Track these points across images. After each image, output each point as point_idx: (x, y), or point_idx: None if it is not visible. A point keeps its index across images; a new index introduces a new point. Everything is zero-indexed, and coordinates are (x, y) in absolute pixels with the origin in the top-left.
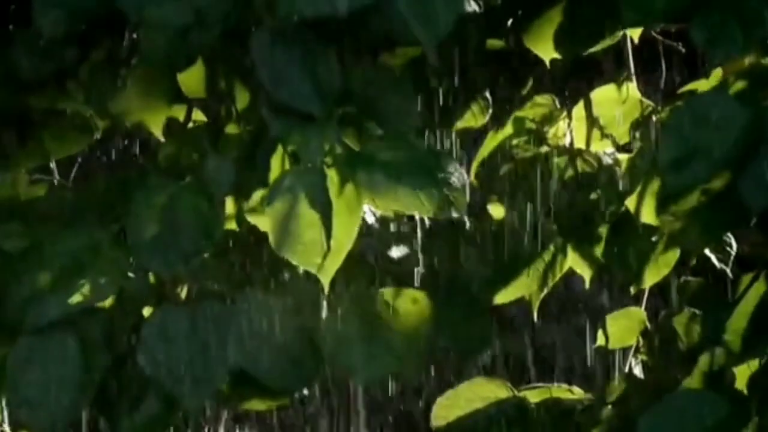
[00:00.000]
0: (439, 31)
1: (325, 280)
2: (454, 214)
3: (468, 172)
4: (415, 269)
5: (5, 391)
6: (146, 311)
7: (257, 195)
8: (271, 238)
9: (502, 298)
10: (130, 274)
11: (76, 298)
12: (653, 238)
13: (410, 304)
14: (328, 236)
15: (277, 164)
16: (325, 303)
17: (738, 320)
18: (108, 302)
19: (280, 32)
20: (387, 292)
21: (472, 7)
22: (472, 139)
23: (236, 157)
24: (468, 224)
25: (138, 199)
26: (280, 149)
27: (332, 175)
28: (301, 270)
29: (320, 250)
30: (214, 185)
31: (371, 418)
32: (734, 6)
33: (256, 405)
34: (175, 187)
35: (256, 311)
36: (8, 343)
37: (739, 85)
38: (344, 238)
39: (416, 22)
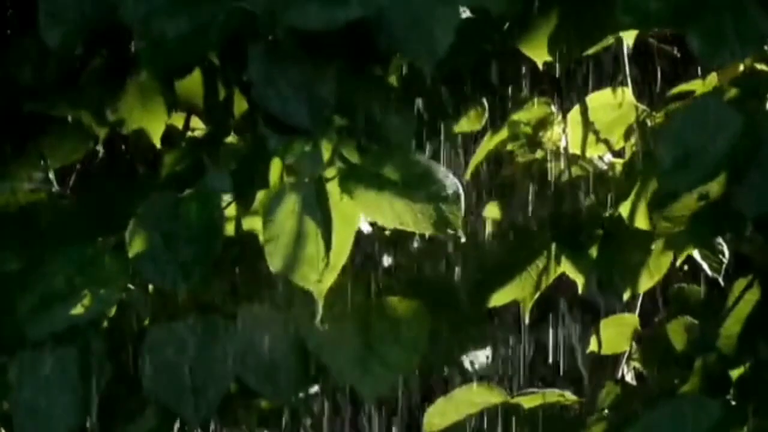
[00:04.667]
0: (437, 51)
1: (320, 296)
2: (450, 231)
3: (464, 175)
4: (410, 277)
5: (7, 405)
6: (146, 323)
7: (256, 200)
8: (267, 256)
9: (494, 302)
10: (131, 286)
11: (76, 311)
12: (647, 244)
13: (406, 314)
14: (328, 251)
15: (275, 176)
16: (319, 316)
17: (733, 325)
18: (109, 315)
19: (276, 46)
20: (382, 302)
21: (467, 14)
22: (470, 141)
23: (235, 169)
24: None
25: (137, 211)
26: (278, 161)
27: (330, 190)
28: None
29: (317, 265)
30: (213, 197)
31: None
32: (731, 12)
33: (252, 414)
34: (174, 198)
35: (254, 324)
36: (9, 357)
37: (734, 91)
38: (340, 253)
39: (413, 43)
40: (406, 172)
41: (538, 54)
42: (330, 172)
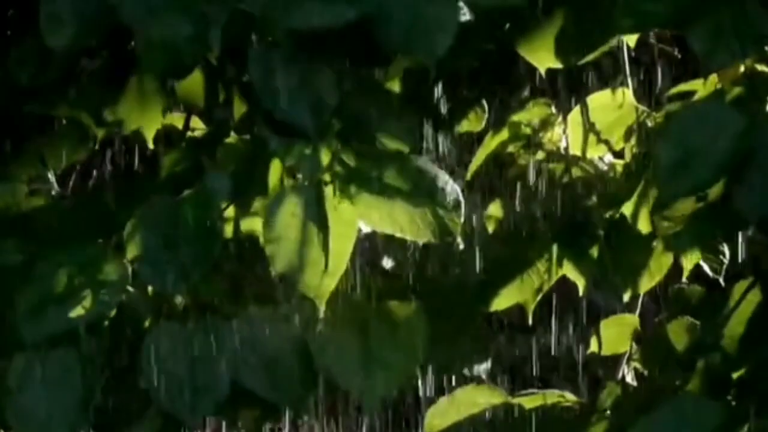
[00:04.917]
0: (437, 51)
1: (321, 301)
2: (449, 238)
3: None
4: (409, 279)
5: (4, 407)
6: (146, 324)
7: (256, 202)
8: (269, 258)
9: (496, 305)
10: (130, 288)
11: (76, 313)
12: (648, 245)
13: (406, 317)
14: (327, 255)
15: (275, 178)
16: (320, 319)
17: (736, 326)
18: (109, 316)
19: (277, 48)
20: (382, 306)
21: (467, 17)
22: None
23: (235, 170)
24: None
25: (137, 212)
26: (278, 163)
27: (329, 193)
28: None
29: (318, 270)
30: (212, 199)
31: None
32: (731, 13)
33: (251, 419)
34: (173, 200)
35: (254, 326)
36: (8, 359)
37: (735, 92)
38: (340, 258)
39: (413, 43)
40: (406, 178)
41: (540, 59)
42: (329, 176)
